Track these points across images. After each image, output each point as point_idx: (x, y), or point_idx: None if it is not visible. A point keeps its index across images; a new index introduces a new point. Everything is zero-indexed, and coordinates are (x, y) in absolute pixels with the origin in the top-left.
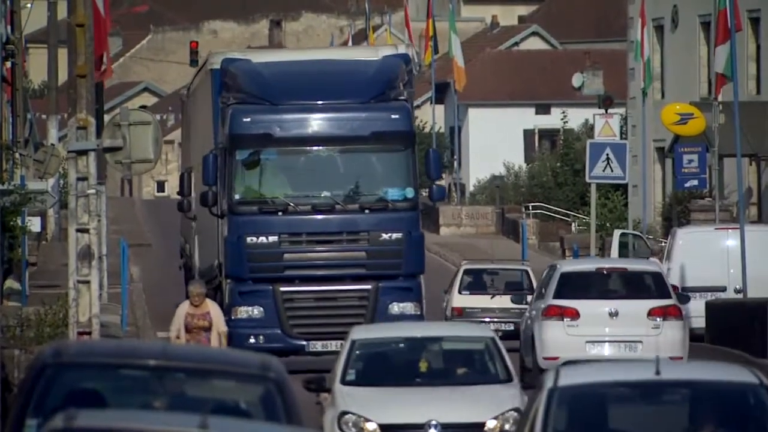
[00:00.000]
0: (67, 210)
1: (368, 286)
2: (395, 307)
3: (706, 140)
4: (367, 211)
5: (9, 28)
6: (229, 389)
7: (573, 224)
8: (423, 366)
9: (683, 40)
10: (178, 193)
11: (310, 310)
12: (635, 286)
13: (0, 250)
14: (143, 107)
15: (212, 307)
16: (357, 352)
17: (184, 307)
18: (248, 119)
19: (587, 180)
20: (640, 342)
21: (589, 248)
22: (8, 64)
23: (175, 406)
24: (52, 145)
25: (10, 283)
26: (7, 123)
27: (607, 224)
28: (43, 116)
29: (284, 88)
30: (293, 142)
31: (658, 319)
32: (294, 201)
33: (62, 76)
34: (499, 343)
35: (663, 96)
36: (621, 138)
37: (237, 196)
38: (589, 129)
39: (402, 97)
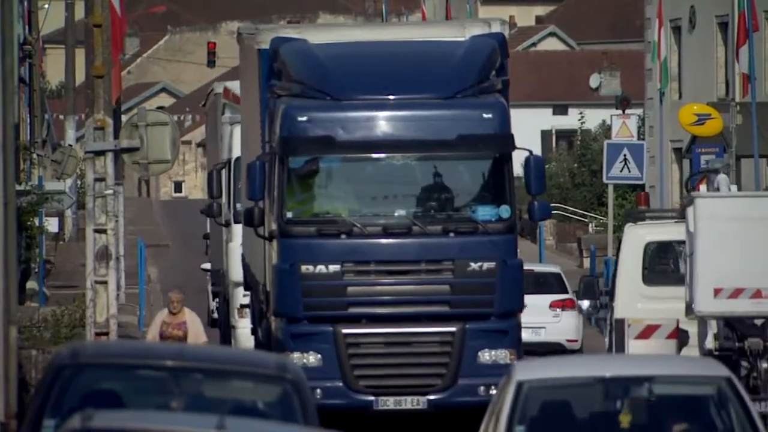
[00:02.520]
0: (85, 210)
1: (452, 329)
2: (485, 355)
3: (723, 141)
4: (451, 234)
5: (26, 28)
6: (247, 390)
7: (590, 225)
8: (625, 420)
9: (700, 40)
10: (207, 193)
11: (380, 357)
12: (540, 283)
13: (17, 250)
14: (160, 108)
15: (189, 316)
16: (526, 399)
17: (162, 315)
18: (305, 118)
19: (605, 181)
20: (544, 328)
21: (607, 249)
22: (26, 65)
23: (192, 406)
24: (70, 145)
25: (30, 284)
26: (25, 123)
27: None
28: (61, 117)
29: (350, 78)
30: (360, 148)
31: (557, 309)
32: (361, 221)
33: (80, 76)
34: (738, 384)
35: (680, 97)
36: (638, 139)
37: (290, 215)
38: (606, 130)
39: (496, 90)
